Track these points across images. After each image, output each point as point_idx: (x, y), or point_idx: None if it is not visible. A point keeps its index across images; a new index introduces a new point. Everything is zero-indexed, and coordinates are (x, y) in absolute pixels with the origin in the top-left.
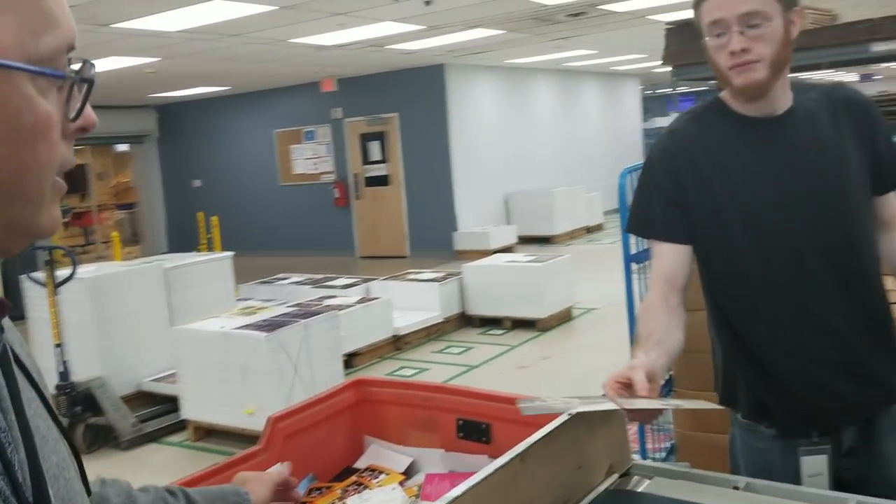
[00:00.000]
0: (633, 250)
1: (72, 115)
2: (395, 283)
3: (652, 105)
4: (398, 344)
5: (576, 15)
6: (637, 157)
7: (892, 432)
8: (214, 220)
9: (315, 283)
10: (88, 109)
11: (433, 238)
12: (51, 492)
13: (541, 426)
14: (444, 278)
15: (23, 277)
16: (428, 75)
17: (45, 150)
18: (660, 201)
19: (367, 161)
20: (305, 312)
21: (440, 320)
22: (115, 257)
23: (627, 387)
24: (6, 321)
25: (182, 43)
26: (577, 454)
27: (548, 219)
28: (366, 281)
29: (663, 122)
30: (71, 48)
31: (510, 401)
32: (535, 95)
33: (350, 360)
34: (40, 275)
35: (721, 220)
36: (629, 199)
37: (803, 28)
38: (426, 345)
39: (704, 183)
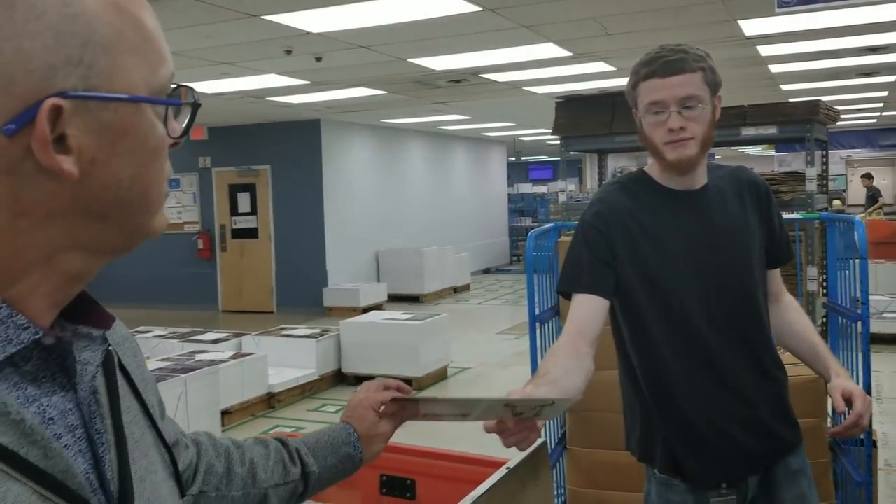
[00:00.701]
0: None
1: (176, 134)
2: (268, 339)
3: (513, 172)
4: (271, 402)
5: (457, 81)
6: (503, 221)
7: (787, 481)
8: None
9: (181, 337)
10: (177, 126)
11: (301, 293)
12: (135, 490)
13: (471, 482)
14: (320, 334)
15: None
16: (303, 129)
17: (161, 166)
18: (589, 257)
19: (235, 212)
20: (182, 367)
21: (315, 377)
22: None
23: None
24: (123, 331)
25: None
26: None
27: (417, 277)
28: (237, 335)
29: (525, 188)
30: (172, 76)
31: (436, 455)
32: (408, 155)
33: (222, 418)
34: None
35: (645, 280)
36: (534, 260)
37: None
38: (300, 402)
39: (633, 246)
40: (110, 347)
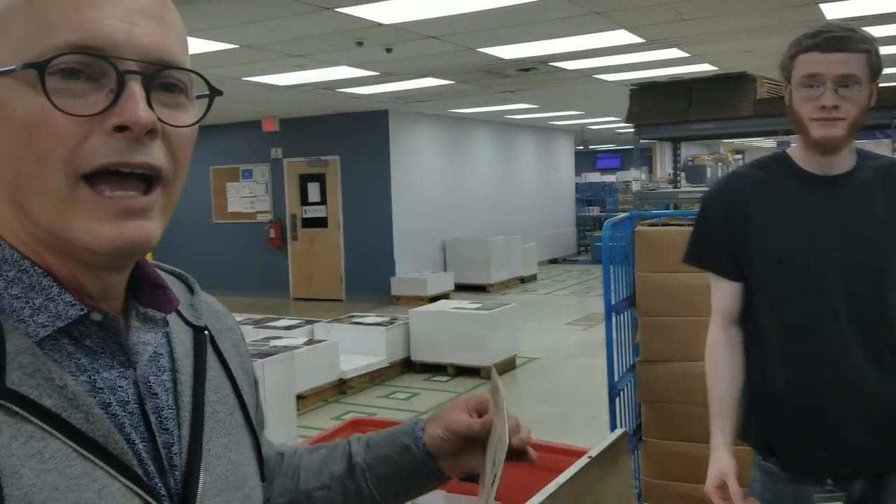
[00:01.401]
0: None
1: (87, 110)
2: (338, 326)
3: (580, 161)
4: (343, 388)
5: (526, 70)
6: (570, 211)
7: None
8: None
9: (257, 324)
10: (126, 106)
11: (370, 282)
12: (208, 465)
13: (551, 469)
14: (389, 323)
15: None
16: (372, 120)
17: (39, 145)
18: (712, 240)
19: (305, 202)
20: (259, 352)
21: (385, 365)
22: None
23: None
24: (229, 322)
25: None
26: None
27: (484, 267)
28: (308, 322)
29: (593, 177)
30: (79, 45)
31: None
32: (475, 144)
33: (296, 403)
34: None
35: (766, 263)
36: (610, 250)
37: (760, 97)
38: (370, 389)
39: (755, 228)
40: (206, 332)
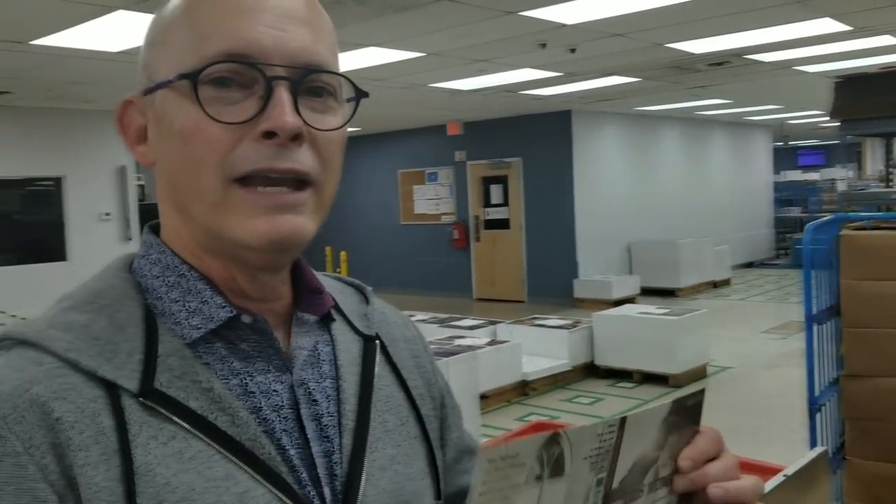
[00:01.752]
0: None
1: (238, 117)
2: (521, 328)
3: (779, 158)
4: (525, 389)
5: (718, 64)
6: (767, 212)
7: None
8: (343, 254)
9: (441, 323)
10: (273, 111)
11: (552, 284)
12: (371, 476)
13: None
14: (573, 326)
15: None
16: (554, 121)
17: (196, 152)
18: None
19: (487, 204)
20: (444, 351)
21: (567, 368)
22: None
23: None
24: (410, 333)
25: None
26: None
27: (673, 271)
28: (492, 323)
29: (794, 175)
30: (230, 54)
31: None
32: (662, 143)
33: (479, 402)
34: None
35: None
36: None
37: None
38: (553, 392)
39: None
40: (377, 342)
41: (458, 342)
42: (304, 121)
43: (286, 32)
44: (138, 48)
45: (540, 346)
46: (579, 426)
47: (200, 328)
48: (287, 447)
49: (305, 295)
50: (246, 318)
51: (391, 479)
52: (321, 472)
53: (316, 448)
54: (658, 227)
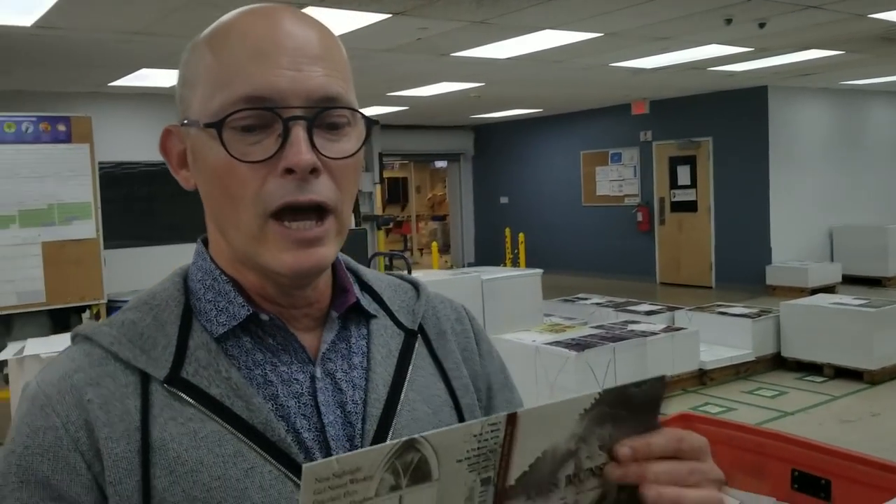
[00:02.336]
0: None
1: (256, 157)
2: (701, 315)
3: None
4: (703, 379)
5: None
6: None
7: None
8: (521, 236)
9: (617, 307)
10: (290, 150)
11: (742, 270)
12: None
13: (892, 491)
14: (757, 315)
15: None
16: (747, 98)
17: (232, 188)
18: None
19: (674, 185)
20: (612, 336)
21: (751, 359)
22: (431, 265)
23: None
24: (460, 327)
25: (507, 69)
26: None
27: (880, 258)
28: (670, 309)
29: None
30: (250, 98)
31: (855, 458)
32: (871, 120)
33: None
34: None
35: None
36: None
37: None
38: (733, 383)
39: None
40: (419, 335)
41: (631, 327)
42: (319, 152)
43: (301, 72)
44: None
45: (722, 335)
46: (444, 429)
47: (226, 325)
48: (301, 430)
49: (338, 294)
50: (264, 317)
51: None
52: (337, 454)
53: (334, 432)
54: (864, 212)
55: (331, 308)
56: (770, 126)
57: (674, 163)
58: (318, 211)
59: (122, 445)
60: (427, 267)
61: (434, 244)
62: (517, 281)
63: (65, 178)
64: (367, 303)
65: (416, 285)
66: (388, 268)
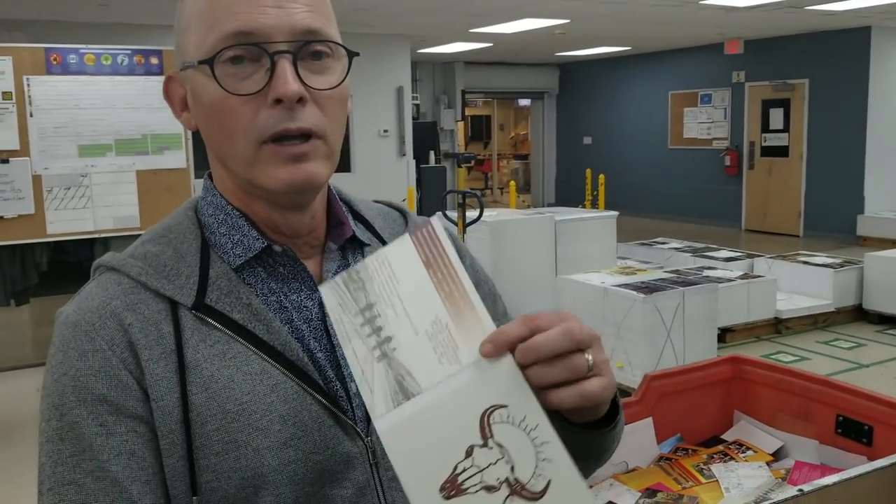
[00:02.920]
0: None
1: (248, 90)
2: (782, 264)
3: None
4: (778, 327)
5: None
6: None
7: None
8: (601, 178)
9: (695, 252)
10: (278, 82)
11: (832, 219)
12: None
13: None
14: (840, 265)
15: (438, 214)
16: (848, 39)
17: (227, 121)
18: None
19: (765, 129)
20: (683, 280)
21: (831, 310)
22: (510, 204)
23: None
24: (457, 241)
25: (592, 5)
26: None
27: None
28: (750, 256)
29: None
30: (238, 34)
31: None
32: None
33: (724, 335)
34: (453, 214)
35: None
36: None
37: None
38: (810, 333)
39: None
40: None
41: (706, 273)
42: (305, 84)
43: (282, 9)
44: None
45: (801, 285)
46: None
47: (242, 256)
48: (315, 351)
49: (335, 227)
50: (277, 248)
51: None
52: (347, 371)
53: (339, 351)
54: None
55: (328, 240)
56: (871, 70)
57: (766, 106)
58: (307, 137)
59: (162, 366)
60: (505, 206)
61: (512, 183)
62: (591, 223)
63: (157, 110)
64: (361, 232)
65: (402, 212)
66: (461, 206)
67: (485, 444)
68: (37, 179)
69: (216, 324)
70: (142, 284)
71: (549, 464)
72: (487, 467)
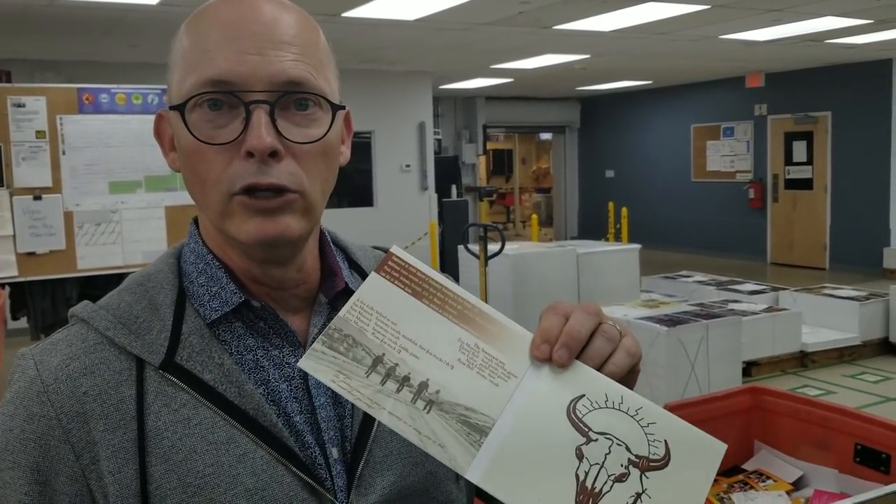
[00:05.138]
0: None
1: (218, 139)
2: (807, 297)
3: None
4: (804, 361)
5: None
6: None
7: None
8: (624, 211)
9: (719, 285)
10: (251, 133)
11: (858, 252)
12: (371, 438)
13: None
14: (866, 298)
15: (460, 248)
16: (870, 71)
17: (200, 168)
18: None
19: (789, 162)
20: (707, 313)
21: (857, 343)
22: (532, 237)
23: None
24: None
25: (612, 41)
26: None
27: None
28: (775, 289)
29: None
30: (214, 81)
31: None
32: None
33: (749, 369)
34: (474, 247)
35: None
36: None
37: None
38: (836, 367)
39: None
40: None
41: (731, 306)
42: (283, 136)
43: (263, 56)
44: (433, 15)
45: (826, 318)
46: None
47: (218, 310)
48: (293, 414)
49: (327, 277)
50: (255, 303)
51: (402, 441)
52: (329, 435)
53: (325, 413)
54: None
55: (319, 291)
56: (894, 102)
57: (789, 138)
58: (280, 192)
59: (119, 435)
60: (527, 239)
61: (534, 217)
62: (614, 256)
63: None
64: (356, 283)
65: None
66: (483, 239)
67: (589, 439)
68: (68, 215)
69: (183, 385)
70: (108, 340)
71: (656, 425)
72: (605, 459)
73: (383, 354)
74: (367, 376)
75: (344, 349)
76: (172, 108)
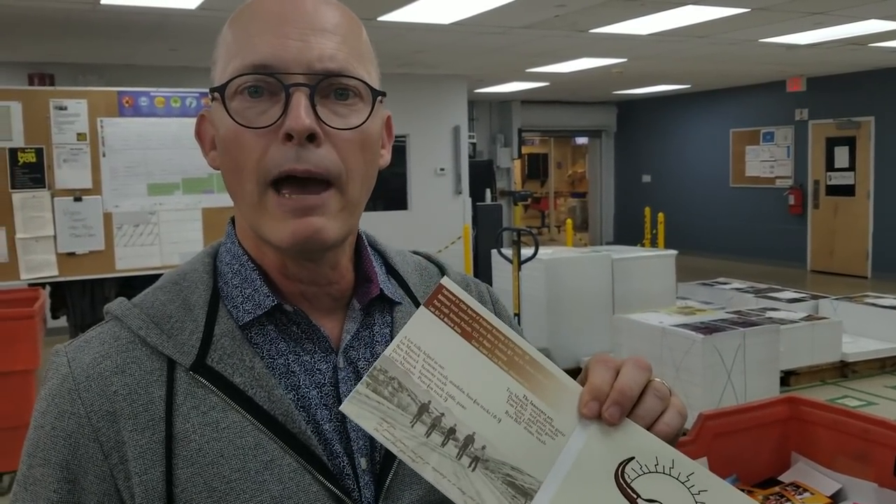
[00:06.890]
0: None
1: (261, 122)
2: (848, 305)
3: None
4: (844, 371)
5: None
6: None
7: None
8: (661, 216)
9: (757, 293)
10: (290, 115)
11: None
12: (388, 479)
13: None
14: None
15: (493, 252)
16: None
17: (236, 155)
18: None
19: (830, 168)
20: (745, 321)
21: None
22: (566, 242)
23: None
24: (488, 306)
25: (650, 45)
26: None
27: None
28: (815, 298)
29: None
30: (256, 66)
31: None
32: None
33: (787, 378)
34: (508, 251)
35: None
36: None
37: None
38: (878, 377)
39: None
40: None
41: (769, 314)
42: (323, 121)
43: (305, 42)
44: (469, 18)
45: (868, 327)
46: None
47: (251, 313)
48: (322, 421)
49: (362, 283)
50: (288, 307)
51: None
52: (358, 444)
53: (350, 423)
54: None
55: (353, 297)
56: None
57: (831, 144)
58: (319, 184)
59: (147, 436)
60: (562, 244)
61: (569, 221)
62: (649, 261)
63: None
64: (392, 289)
65: (440, 267)
66: (517, 243)
67: None
68: (107, 217)
69: (213, 387)
70: (140, 339)
71: (707, 493)
72: None
73: (429, 402)
74: (412, 426)
75: (389, 394)
76: (213, 90)
